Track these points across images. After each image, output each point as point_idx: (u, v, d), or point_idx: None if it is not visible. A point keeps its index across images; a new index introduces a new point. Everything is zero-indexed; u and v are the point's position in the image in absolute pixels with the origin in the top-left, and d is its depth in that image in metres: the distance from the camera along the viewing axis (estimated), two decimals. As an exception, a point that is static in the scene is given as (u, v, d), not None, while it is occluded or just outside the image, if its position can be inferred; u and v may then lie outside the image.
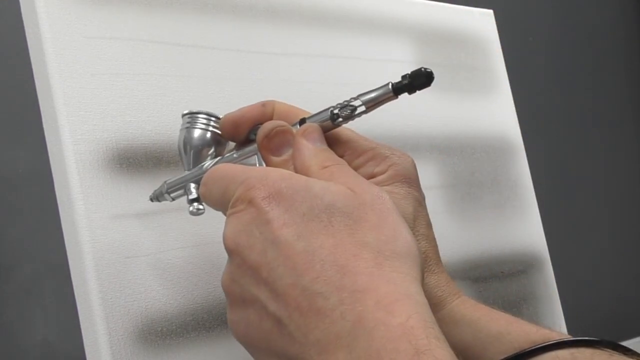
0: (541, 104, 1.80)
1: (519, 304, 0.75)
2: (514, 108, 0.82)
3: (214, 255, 0.55)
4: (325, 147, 0.44)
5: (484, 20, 0.82)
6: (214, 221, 0.55)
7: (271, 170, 0.40)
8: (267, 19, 0.63)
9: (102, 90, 0.53)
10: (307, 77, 0.64)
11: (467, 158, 0.76)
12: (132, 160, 0.53)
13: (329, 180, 0.39)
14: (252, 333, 0.38)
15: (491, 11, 0.83)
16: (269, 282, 0.37)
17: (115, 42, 0.54)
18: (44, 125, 0.52)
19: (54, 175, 0.51)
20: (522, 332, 0.46)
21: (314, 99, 0.64)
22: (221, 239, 0.39)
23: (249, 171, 0.41)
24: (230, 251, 0.39)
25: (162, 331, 0.51)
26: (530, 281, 0.78)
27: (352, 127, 0.48)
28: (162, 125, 0.55)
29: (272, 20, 0.63)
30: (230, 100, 0.59)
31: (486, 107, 0.79)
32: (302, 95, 0.64)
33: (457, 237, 0.72)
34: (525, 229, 0.79)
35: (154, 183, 0.53)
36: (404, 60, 0.73)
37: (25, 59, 0.52)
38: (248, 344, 0.39)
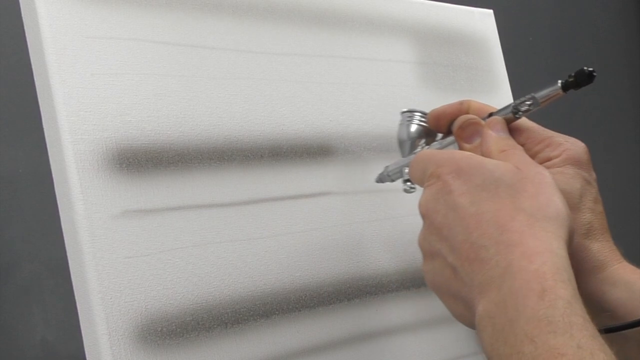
0: (541, 104, 1.80)
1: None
2: (514, 108, 0.82)
3: (214, 256, 0.55)
4: (506, 135, 0.53)
5: (484, 20, 0.82)
6: (213, 222, 0.55)
7: (457, 152, 0.51)
8: (267, 19, 0.63)
9: (102, 90, 0.53)
10: (307, 77, 0.64)
11: (467, 158, 0.75)
12: (132, 160, 0.53)
13: (504, 161, 0.49)
14: (437, 279, 0.49)
15: (491, 11, 0.83)
16: (448, 239, 0.47)
17: (115, 42, 0.54)
18: (44, 125, 0.52)
19: (53, 175, 0.51)
20: None
21: (314, 99, 0.64)
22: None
23: (441, 154, 0.51)
24: (423, 215, 0.50)
25: (162, 331, 0.51)
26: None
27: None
28: (162, 125, 0.55)
29: (272, 20, 0.63)
30: (230, 100, 0.59)
31: (486, 107, 0.79)
32: (302, 95, 0.63)
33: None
34: (525, 229, 0.79)
35: (154, 183, 0.53)
36: (404, 60, 0.73)
37: (25, 59, 0.52)
38: (435, 287, 0.49)
